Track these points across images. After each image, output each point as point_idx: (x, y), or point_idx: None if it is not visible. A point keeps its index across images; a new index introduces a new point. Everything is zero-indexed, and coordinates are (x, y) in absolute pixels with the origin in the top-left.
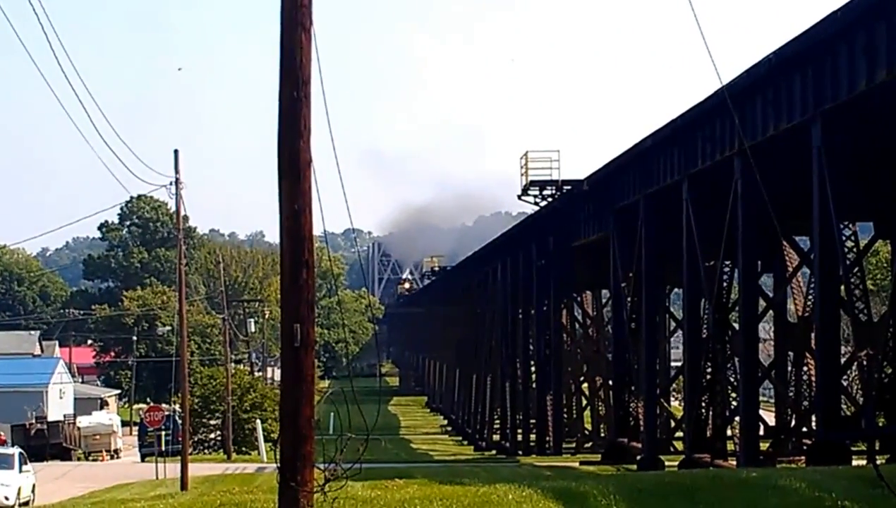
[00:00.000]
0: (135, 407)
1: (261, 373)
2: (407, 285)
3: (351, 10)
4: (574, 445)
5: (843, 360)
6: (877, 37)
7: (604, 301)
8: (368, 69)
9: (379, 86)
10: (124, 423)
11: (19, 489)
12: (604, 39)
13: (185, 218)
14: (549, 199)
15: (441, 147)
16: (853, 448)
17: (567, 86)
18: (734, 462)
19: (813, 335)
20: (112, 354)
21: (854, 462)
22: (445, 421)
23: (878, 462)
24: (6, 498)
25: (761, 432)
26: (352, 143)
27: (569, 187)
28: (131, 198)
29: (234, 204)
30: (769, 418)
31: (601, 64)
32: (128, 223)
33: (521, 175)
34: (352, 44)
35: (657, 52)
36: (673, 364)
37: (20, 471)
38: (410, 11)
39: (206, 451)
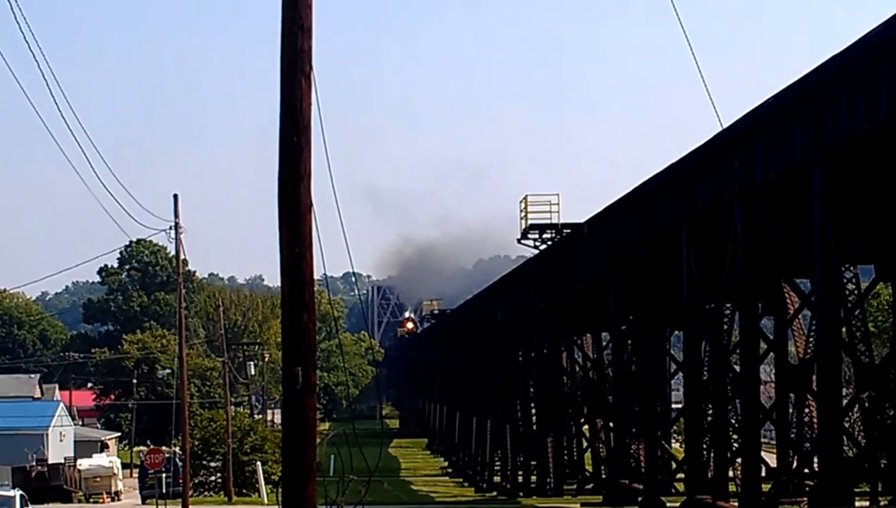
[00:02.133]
0: (135, 449)
1: (261, 416)
2: (410, 324)
3: (351, 51)
4: (575, 486)
5: (844, 402)
6: (877, 80)
7: (604, 343)
8: (368, 109)
9: (379, 126)
10: (125, 466)
11: None
12: (606, 84)
13: (185, 262)
14: (549, 243)
15: (442, 188)
16: (856, 490)
17: (569, 128)
18: (736, 504)
19: (814, 377)
20: (112, 397)
21: (857, 504)
22: (446, 463)
23: (881, 503)
24: None
25: (763, 473)
26: (352, 183)
27: (568, 230)
28: (130, 242)
29: (233, 248)
30: (771, 459)
31: (604, 107)
32: (127, 267)
33: (521, 218)
34: (352, 83)
35: (659, 95)
36: (674, 405)
37: None
38: (409, 52)
39: (206, 493)
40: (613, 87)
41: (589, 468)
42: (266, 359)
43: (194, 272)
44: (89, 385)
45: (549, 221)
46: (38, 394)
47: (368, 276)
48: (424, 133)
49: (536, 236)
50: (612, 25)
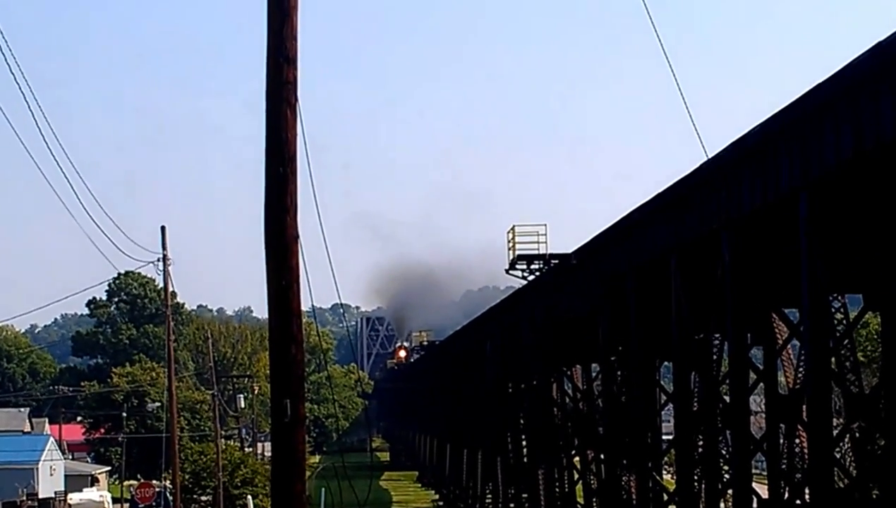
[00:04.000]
0: (125, 483)
1: (251, 449)
2: (402, 353)
3: (336, 75)
4: None
5: (835, 432)
6: (863, 106)
7: (594, 374)
8: (359, 136)
9: (371, 154)
10: (115, 500)
11: None
12: (596, 112)
13: (173, 294)
14: (537, 273)
15: (432, 217)
16: None
17: (557, 157)
18: None
19: (804, 407)
20: (102, 431)
21: None
22: (437, 496)
23: None
24: None
25: (754, 504)
26: (343, 212)
27: (556, 261)
28: (119, 274)
29: (222, 279)
30: (762, 490)
31: (592, 136)
32: (116, 299)
33: (509, 249)
34: (337, 110)
35: (645, 124)
36: (664, 436)
37: None
38: (396, 85)
39: None
40: (604, 116)
41: (580, 500)
42: (256, 392)
43: (183, 304)
44: (79, 418)
45: (536, 252)
46: (27, 428)
47: (357, 307)
48: (416, 161)
49: (524, 267)
50: (604, 55)
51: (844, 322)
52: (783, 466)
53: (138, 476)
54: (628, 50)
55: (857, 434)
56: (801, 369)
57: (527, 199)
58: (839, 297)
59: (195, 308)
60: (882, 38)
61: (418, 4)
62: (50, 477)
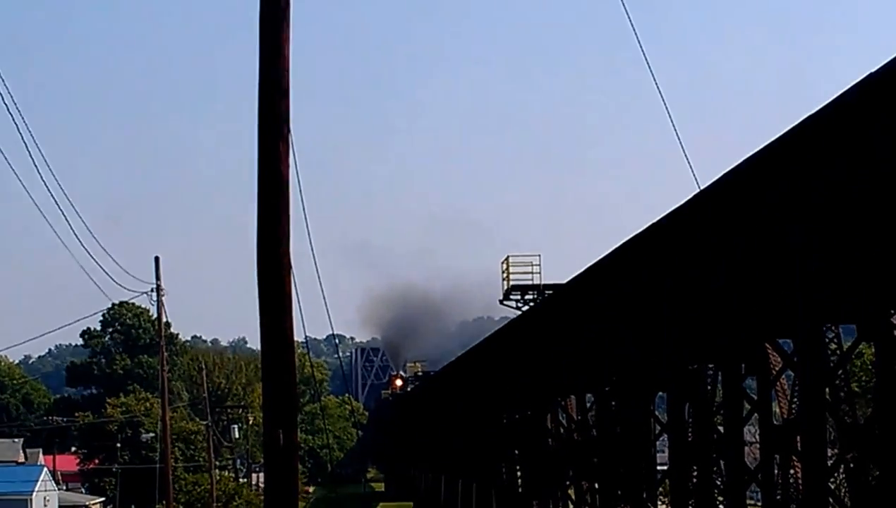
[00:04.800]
0: None
1: (245, 479)
2: (399, 381)
3: (330, 104)
4: None
5: (829, 463)
6: (858, 134)
7: (588, 405)
8: (352, 166)
9: (367, 183)
10: None
11: None
12: (593, 144)
13: (167, 324)
14: (531, 304)
15: (429, 246)
16: None
17: (553, 184)
18: None
19: (798, 437)
20: (96, 461)
21: None
22: None
23: None
24: None
25: None
26: (335, 241)
27: (550, 291)
28: (113, 304)
29: (217, 310)
30: None
31: (591, 167)
32: (110, 330)
33: (503, 279)
34: (331, 139)
35: (644, 156)
36: (659, 467)
37: None
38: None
39: None
40: (600, 147)
41: None
42: (250, 422)
43: (177, 334)
44: (73, 449)
45: (530, 282)
46: (21, 459)
47: (352, 338)
48: (413, 190)
49: (518, 297)
50: (603, 89)
51: (839, 352)
52: (778, 497)
53: (132, 507)
54: (627, 81)
55: (852, 465)
56: (795, 399)
57: (525, 228)
58: (833, 328)
59: (189, 338)
60: (874, 68)
61: (413, 35)
62: None
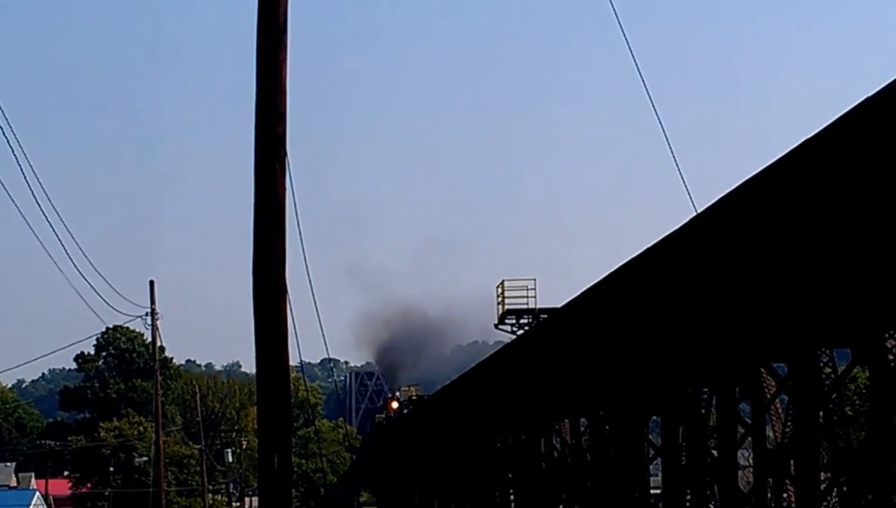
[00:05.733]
0: None
1: (238, 504)
2: (395, 404)
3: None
4: None
5: (822, 486)
6: (850, 157)
7: (582, 429)
8: (348, 188)
9: (364, 204)
10: None
11: None
12: (584, 165)
13: (161, 348)
14: (526, 328)
15: (423, 269)
16: None
17: (549, 208)
18: None
19: (792, 461)
20: (89, 485)
21: None
22: None
23: None
24: None
25: None
26: (331, 264)
27: (545, 316)
28: (107, 328)
29: (211, 334)
30: None
31: (584, 190)
32: (104, 354)
33: (498, 303)
34: (328, 159)
35: (640, 180)
36: (652, 491)
37: None
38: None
39: None
40: (591, 168)
41: None
42: (244, 446)
43: (171, 358)
44: (66, 473)
45: (525, 306)
46: (13, 483)
47: (346, 362)
48: (409, 212)
49: (513, 321)
50: (596, 110)
51: (833, 376)
52: None
53: None
54: (621, 103)
55: (845, 489)
56: (789, 423)
57: (520, 252)
58: (827, 351)
59: (183, 362)
60: (870, 94)
61: (412, 54)
62: None
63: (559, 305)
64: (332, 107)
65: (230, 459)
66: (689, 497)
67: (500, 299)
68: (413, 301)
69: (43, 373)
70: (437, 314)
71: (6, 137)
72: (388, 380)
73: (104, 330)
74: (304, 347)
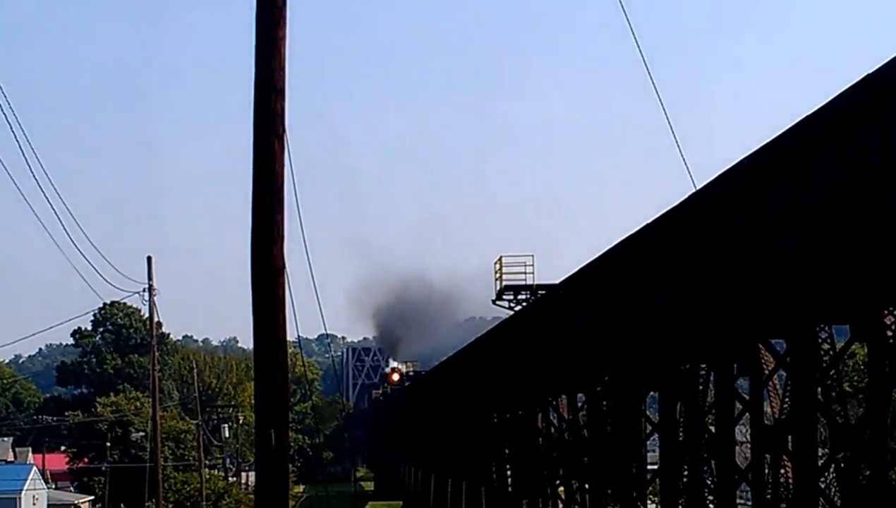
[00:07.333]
0: None
1: (235, 479)
2: (396, 376)
3: (328, 98)
4: None
5: (820, 463)
6: (852, 136)
7: (580, 404)
8: (347, 162)
9: (364, 180)
10: None
11: None
12: (584, 141)
13: (159, 324)
14: (524, 304)
15: (423, 245)
16: None
17: (547, 184)
18: None
19: (790, 437)
20: (86, 460)
21: None
22: None
23: None
24: None
25: None
26: (330, 238)
27: (543, 292)
28: (104, 304)
29: (208, 310)
30: None
31: (584, 167)
32: (101, 329)
33: (496, 280)
34: (327, 132)
35: (634, 156)
36: (649, 467)
37: None
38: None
39: None
40: (590, 144)
41: None
42: (240, 422)
43: (168, 334)
44: (63, 448)
45: (524, 282)
46: (10, 458)
47: (343, 338)
48: (408, 188)
49: (511, 297)
50: (593, 86)
51: (831, 352)
52: (768, 496)
53: (122, 506)
54: (622, 80)
55: (843, 465)
56: (787, 399)
57: (520, 226)
58: (826, 328)
59: (180, 338)
60: (870, 70)
61: (416, 34)
62: (33, 507)
63: (557, 281)
64: (333, 83)
65: (227, 434)
66: (685, 472)
67: (497, 275)
68: (413, 274)
69: (40, 349)
70: (437, 288)
71: (4, 115)
72: (390, 349)
73: (101, 305)
74: (301, 322)
